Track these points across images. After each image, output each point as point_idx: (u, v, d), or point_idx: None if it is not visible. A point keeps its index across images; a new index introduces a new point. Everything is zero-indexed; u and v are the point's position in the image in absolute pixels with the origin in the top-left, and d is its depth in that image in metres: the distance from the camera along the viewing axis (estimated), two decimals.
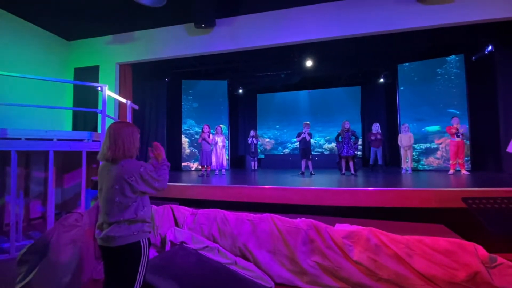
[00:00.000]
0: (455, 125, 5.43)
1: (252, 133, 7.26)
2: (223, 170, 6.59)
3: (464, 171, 5.41)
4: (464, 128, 5.56)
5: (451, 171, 5.52)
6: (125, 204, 1.53)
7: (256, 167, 7.36)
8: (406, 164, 6.08)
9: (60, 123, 6.38)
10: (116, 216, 1.51)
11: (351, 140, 5.83)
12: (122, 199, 1.52)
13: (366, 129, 8.55)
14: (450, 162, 5.61)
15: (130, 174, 1.54)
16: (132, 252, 1.53)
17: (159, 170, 1.73)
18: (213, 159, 6.36)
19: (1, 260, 3.04)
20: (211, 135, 6.22)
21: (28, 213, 4.17)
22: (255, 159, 7.35)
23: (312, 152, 6.24)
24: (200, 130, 6.90)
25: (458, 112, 6.32)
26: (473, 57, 6.31)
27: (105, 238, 1.51)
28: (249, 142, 7.24)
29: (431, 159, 6.72)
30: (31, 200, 4.20)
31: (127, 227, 1.52)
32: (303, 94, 9.98)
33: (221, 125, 6.86)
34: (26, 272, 2.24)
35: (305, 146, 5.86)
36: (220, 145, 6.52)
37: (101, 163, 1.67)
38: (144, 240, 1.57)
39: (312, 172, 5.91)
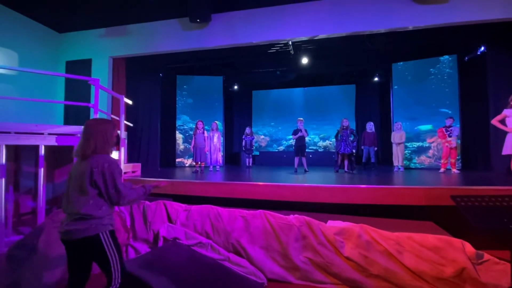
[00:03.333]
0: (447, 138, 5.52)
1: (247, 130, 7.25)
2: (218, 167, 6.57)
3: (454, 170, 5.50)
4: (456, 130, 5.63)
5: (442, 170, 5.62)
6: (84, 197, 1.51)
7: (251, 164, 7.36)
8: (398, 162, 6.16)
9: (51, 117, 6.26)
10: (75, 209, 1.50)
11: (350, 138, 5.87)
12: (82, 192, 1.51)
13: (360, 128, 8.62)
14: (442, 161, 5.70)
15: (96, 166, 1.52)
16: (93, 245, 1.52)
17: (133, 189, 1.68)
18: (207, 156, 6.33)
19: None
20: (205, 132, 6.17)
21: (18, 208, 4.10)
22: (250, 156, 7.34)
23: (306, 150, 6.27)
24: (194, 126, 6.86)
25: (450, 112, 6.41)
26: (466, 58, 6.39)
27: (64, 232, 1.51)
28: (243, 138, 7.23)
29: (423, 157, 6.82)
30: (21, 195, 4.13)
31: (83, 221, 1.50)
32: (298, 91, 9.97)
33: (216, 121, 6.81)
34: (15, 267, 2.22)
35: (301, 143, 5.90)
36: (215, 142, 6.49)
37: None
38: (103, 233, 1.54)
39: (306, 169, 5.94)
